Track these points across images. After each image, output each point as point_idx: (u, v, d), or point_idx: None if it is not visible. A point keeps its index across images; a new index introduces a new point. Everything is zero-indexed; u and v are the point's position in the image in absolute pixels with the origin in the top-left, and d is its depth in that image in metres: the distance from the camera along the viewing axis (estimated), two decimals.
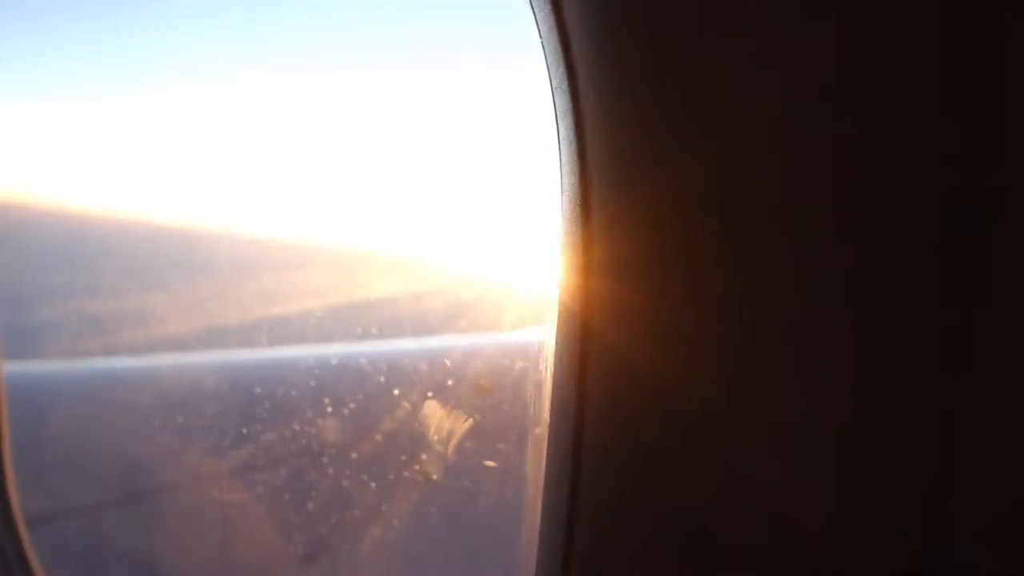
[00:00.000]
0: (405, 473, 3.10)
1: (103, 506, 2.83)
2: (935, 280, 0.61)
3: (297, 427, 3.18)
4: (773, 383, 0.65)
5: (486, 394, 3.47)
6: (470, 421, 2.98)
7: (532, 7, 0.78)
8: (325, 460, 3.15)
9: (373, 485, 3.07)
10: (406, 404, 3.38)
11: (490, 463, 3.08)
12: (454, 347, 4.33)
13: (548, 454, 0.83)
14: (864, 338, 0.62)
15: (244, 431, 3.19)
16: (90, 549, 2.61)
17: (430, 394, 3.34)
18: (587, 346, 0.75)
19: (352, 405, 3.32)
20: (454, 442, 2.94)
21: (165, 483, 3.02)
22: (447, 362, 3.74)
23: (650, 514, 0.72)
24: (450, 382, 3.50)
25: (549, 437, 0.83)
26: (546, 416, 0.84)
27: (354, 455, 3.25)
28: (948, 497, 0.62)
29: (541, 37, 0.77)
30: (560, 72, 0.70)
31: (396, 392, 3.41)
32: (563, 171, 0.80)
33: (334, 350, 3.91)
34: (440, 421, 3.06)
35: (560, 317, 0.81)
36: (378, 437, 3.28)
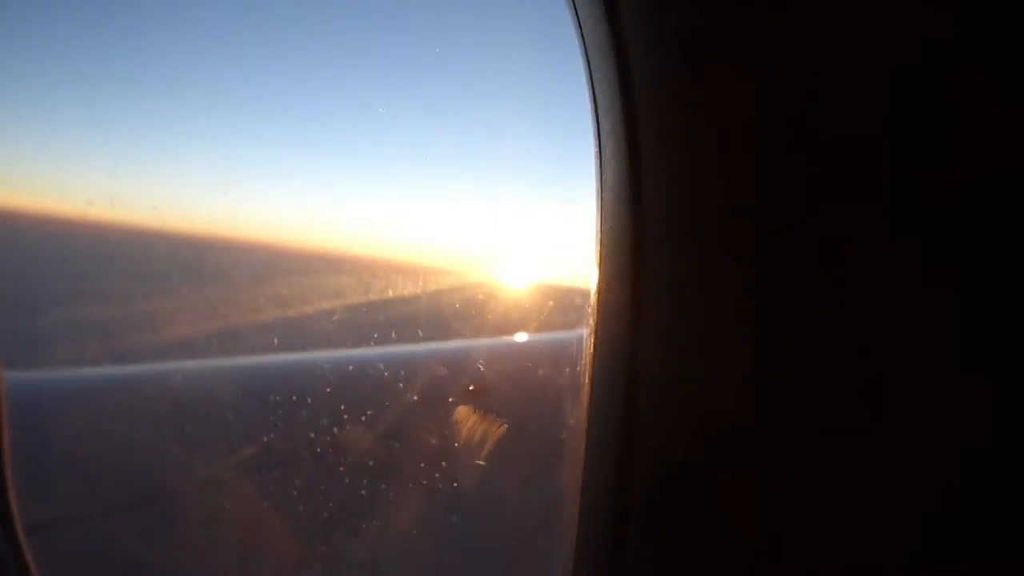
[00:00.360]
0: (423, 481, 3.09)
1: (103, 513, 2.82)
2: (982, 279, 0.59)
3: (312, 434, 3.18)
4: (827, 395, 0.63)
5: (483, 396, 3.49)
6: (503, 426, 2.99)
7: (574, 5, 0.76)
8: (341, 468, 3.14)
9: (391, 495, 3.06)
10: (409, 404, 3.39)
11: (480, 462, 3.08)
12: (460, 349, 4.33)
13: (588, 457, 0.81)
14: (931, 353, 0.60)
15: (258, 437, 3.18)
16: (89, 556, 2.59)
17: (451, 399, 3.35)
18: (634, 352, 0.72)
19: (367, 409, 3.32)
20: (485, 448, 2.95)
21: (169, 490, 3.00)
22: (446, 365, 3.75)
23: (699, 523, 0.70)
24: (449, 384, 3.52)
25: (588, 439, 0.81)
26: (573, 420, 0.82)
27: (368, 461, 3.24)
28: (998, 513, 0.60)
29: (582, 29, 0.76)
30: (609, 65, 0.68)
31: (398, 394, 3.42)
32: (604, 167, 0.78)
33: (350, 354, 3.92)
34: (471, 426, 3.08)
35: (600, 318, 0.79)
36: (393, 443, 3.28)
